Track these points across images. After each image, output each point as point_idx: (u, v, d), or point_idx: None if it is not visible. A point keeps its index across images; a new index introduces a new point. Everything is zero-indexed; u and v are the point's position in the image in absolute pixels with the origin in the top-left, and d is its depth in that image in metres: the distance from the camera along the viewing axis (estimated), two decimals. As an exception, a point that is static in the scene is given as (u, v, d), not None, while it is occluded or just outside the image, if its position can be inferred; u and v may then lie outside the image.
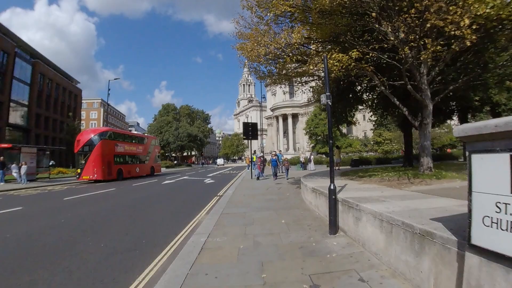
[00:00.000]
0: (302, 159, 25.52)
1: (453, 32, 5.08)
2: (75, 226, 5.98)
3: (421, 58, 6.03)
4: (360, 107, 14.09)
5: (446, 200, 4.03)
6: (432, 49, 5.47)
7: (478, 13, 4.90)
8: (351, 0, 6.17)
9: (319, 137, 48.27)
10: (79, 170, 18.21)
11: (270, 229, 4.90)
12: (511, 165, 1.59)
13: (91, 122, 67.69)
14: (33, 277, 3.32)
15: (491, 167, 1.73)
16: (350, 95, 11.97)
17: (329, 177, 4.64)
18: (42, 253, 4.21)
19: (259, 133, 22.51)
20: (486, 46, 7.09)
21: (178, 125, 57.65)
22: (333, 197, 4.44)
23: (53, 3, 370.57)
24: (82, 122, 49.64)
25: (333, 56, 6.41)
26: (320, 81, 10.67)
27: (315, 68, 8.33)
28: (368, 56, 6.68)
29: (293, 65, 9.52)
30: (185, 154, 68.56)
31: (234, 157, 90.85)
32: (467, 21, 4.79)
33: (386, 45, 6.56)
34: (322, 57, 5.76)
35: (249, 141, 18.42)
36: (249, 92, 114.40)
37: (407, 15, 5.48)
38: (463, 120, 21.73)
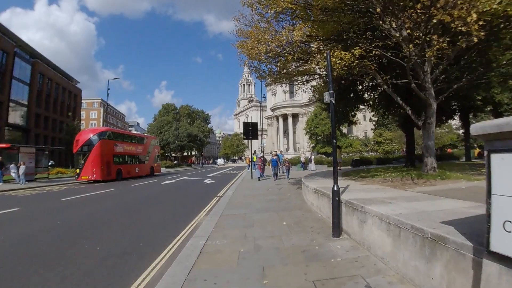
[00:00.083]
0: (302, 159, 25.43)
1: (460, 28, 4.95)
2: (72, 228, 5.85)
3: (426, 56, 5.89)
4: (361, 106, 13.97)
5: (454, 202, 3.90)
6: (438, 45, 5.33)
7: (485, 9, 4.78)
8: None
9: (320, 137, 48.14)
10: (78, 170, 18.08)
11: (271, 232, 4.76)
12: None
13: (91, 122, 67.50)
14: (24, 283, 3.19)
15: (514, 168, 1.59)
16: (351, 95, 11.85)
17: (330, 178, 4.51)
18: (35, 257, 4.07)
19: (259, 133, 22.41)
20: (490, 44, 6.97)
21: (178, 125, 57.50)
22: (337, 198, 4.30)
23: (53, 3, 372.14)
24: (81, 122, 49.44)
25: (335, 54, 6.28)
26: (322, 80, 10.53)
27: (317, 67, 8.19)
28: (371, 54, 6.55)
29: (294, 63, 9.37)
30: (185, 154, 68.39)
31: (234, 157, 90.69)
32: (474, 16, 4.66)
33: (389, 43, 6.43)
34: (324, 55, 5.63)
35: (249, 141, 18.32)
36: (249, 92, 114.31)
37: (412, 10, 5.34)
38: (464, 119, 21.63)
